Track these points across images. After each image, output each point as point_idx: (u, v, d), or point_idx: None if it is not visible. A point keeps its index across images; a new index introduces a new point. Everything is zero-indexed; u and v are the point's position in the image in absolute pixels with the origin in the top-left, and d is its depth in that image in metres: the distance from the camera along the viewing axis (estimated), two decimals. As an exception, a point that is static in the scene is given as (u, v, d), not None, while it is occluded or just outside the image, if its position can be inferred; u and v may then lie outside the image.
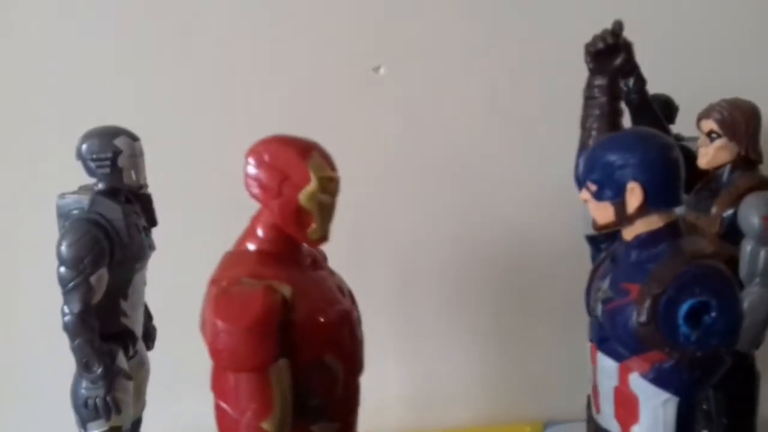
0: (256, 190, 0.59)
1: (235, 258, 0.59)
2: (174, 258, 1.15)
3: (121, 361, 0.91)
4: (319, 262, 0.64)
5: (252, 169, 0.59)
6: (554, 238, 1.29)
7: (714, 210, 0.89)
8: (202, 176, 1.23)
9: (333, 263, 0.77)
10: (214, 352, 0.53)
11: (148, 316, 1.02)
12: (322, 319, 0.57)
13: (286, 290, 0.55)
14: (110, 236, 0.88)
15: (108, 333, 0.90)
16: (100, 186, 0.91)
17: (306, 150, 0.59)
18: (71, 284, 0.85)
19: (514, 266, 1.32)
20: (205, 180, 1.24)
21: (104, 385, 0.87)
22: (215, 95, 1.24)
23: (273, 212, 0.59)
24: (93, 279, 0.85)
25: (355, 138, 1.24)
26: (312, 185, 0.58)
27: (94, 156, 0.90)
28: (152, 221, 0.97)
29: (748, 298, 0.83)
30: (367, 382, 1.22)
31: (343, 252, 1.17)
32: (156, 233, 0.99)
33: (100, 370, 0.86)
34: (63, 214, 0.90)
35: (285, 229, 0.59)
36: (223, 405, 0.52)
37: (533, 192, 1.30)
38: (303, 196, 0.58)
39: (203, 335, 0.53)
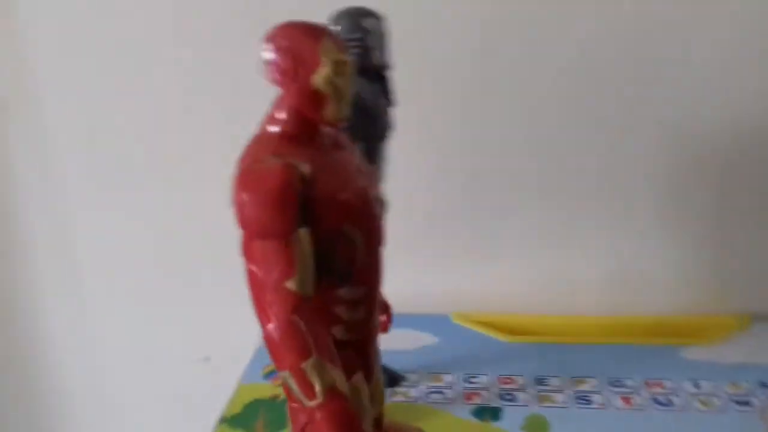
0: (274, 76, 0.62)
1: (259, 140, 0.63)
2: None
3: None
4: (340, 144, 0.69)
5: (269, 55, 0.62)
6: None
7: None
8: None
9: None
10: (242, 223, 0.58)
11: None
12: (339, 195, 0.62)
13: (305, 167, 0.60)
14: (362, 114, 0.88)
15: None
16: (350, 67, 0.94)
17: (318, 35, 0.63)
18: None
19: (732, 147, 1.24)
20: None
21: None
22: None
23: (291, 95, 0.62)
24: None
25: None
26: (325, 68, 0.61)
27: (346, 37, 0.90)
28: (391, 101, 0.97)
29: None
30: (563, 260, 1.28)
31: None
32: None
33: None
34: None
35: (303, 111, 0.63)
36: (253, 268, 0.58)
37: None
38: (317, 80, 0.61)
39: (234, 211, 0.59)
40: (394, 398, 1.07)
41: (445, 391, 1.08)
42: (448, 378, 1.12)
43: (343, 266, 0.63)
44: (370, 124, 0.92)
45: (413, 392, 1.08)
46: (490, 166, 1.30)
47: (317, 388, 0.57)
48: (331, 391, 0.57)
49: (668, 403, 1.02)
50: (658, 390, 1.06)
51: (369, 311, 0.67)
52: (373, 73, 0.93)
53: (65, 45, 1.31)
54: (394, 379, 1.11)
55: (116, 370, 1.54)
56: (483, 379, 1.11)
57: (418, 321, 1.29)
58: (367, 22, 0.92)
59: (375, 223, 0.67)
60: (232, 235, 0.63)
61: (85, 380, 1.56)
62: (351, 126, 0.90)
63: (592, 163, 1.28)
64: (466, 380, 1.11)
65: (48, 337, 1.52)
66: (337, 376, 0.58)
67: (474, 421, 1.00)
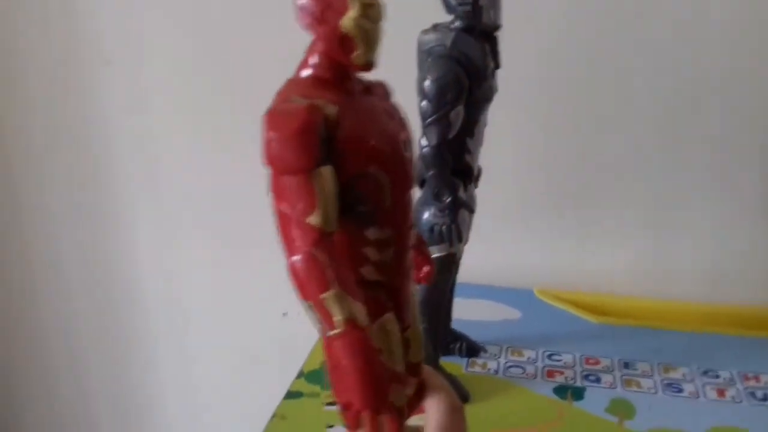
0: (306, 21, 0.60)
1: (290, 83, 0.63)
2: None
3: (462, 195, 0.95)
4: (371, 90, 0.67)
5: (300, 1, 0.60)
6: None
7: None
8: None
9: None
10: (268, 159, 0.58)
11: (476, 156, 1.06)
12: (364, 137, 0.61)
13: (330, 109, 0.59)
14: (470, 74, 0.90)
15: (453, 169, 0.94)
16: (458, 24, 0.92)
17: None
18: (432, 118, 0.90)
19: None
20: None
21: (449, 214, 0.93)
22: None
23: (321, 39, 0.60)
24: (452, 115, 0.89)
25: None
26: (353, 11, 0.58)
27: None
28: (497, 63, 0.98)
29: None
30: (662, 244, 1.24)
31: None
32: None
33: (449, 200, 0.93)
34: (425, 51, 0.92)
35: (333, 55, 0.61)
36: (280, 205, 0.59)
37: None
38: (345, 22, 0.59)
39: (261, 149, 0.59)
40: (472, 369, 1.06)
41: (525, 366, 1.06)
42: (529, 353, 1.10)
43: (370, 206, 0.63)
44: (477, 86, 0.90)
45: (491, 364, 1.07)
46: (596, 142, 1.26)
47: (336, 317, 0.57)
48: (350, 321, 0.57)
49: (765, 398, 0.97)
50: (755, 384, 1.01)
51: (399, 252, 0.67)
52: (481, 32, 0.91)
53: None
54: (472, 349, 1.09)
55: (196, 320, 1.59)
56: (566, 358, 1.08)
57: (501, 293, 1.27)
58: None
59: (403, 166, 0.66)
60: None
61: (168, 330, 1.62)
62: (459, 86, 0.90)
63: (702, 150, 1.23)
64: (548, 357, 1.08)
65: (139, 289, 1.60)
66: (357, 309, 0.58)
67: (555, 398, 0.98)
